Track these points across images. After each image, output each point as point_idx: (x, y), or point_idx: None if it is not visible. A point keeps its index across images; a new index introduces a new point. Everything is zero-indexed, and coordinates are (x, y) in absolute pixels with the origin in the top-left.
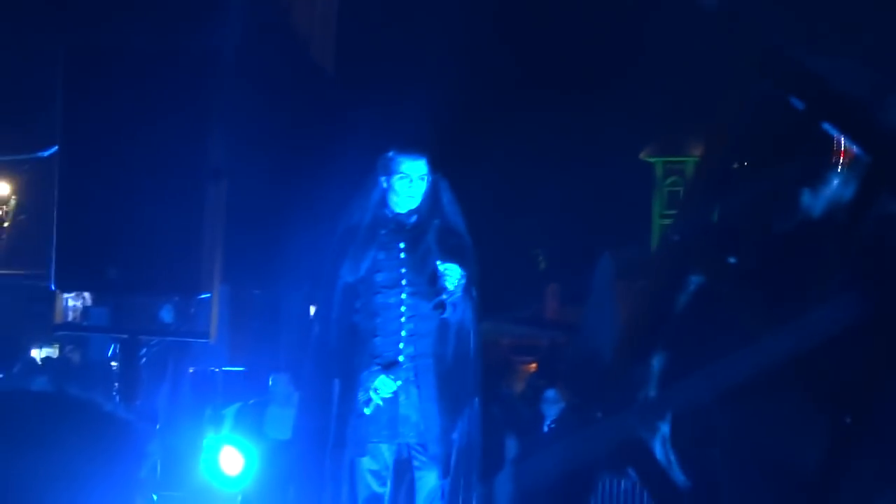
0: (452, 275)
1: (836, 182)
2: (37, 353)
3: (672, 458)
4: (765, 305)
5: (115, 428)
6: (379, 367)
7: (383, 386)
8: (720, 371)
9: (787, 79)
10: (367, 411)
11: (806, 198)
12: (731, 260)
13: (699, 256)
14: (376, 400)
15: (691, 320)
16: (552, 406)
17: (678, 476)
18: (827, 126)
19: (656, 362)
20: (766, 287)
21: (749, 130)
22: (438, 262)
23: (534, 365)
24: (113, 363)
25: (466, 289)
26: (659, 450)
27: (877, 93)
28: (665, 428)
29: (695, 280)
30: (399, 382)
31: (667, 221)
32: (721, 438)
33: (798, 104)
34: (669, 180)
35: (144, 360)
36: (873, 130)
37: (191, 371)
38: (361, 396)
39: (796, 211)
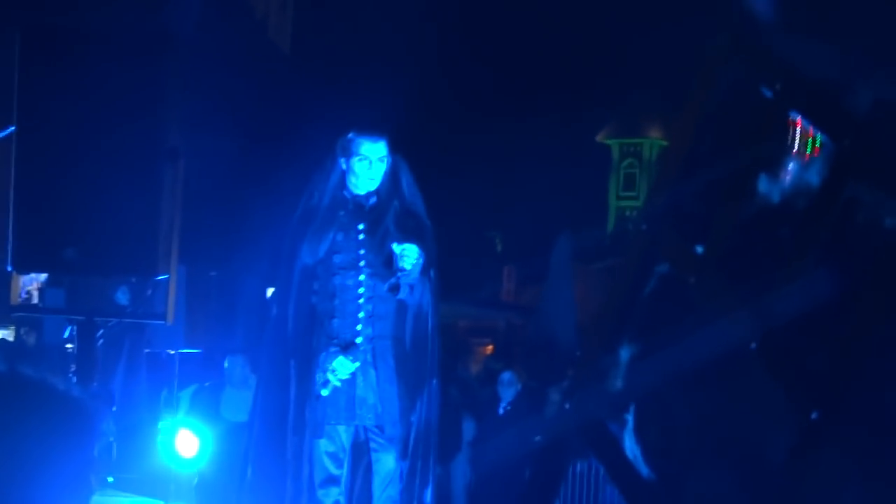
0: (409, 255)
1: (803, 169)
2: None
3: (637, 450)
4: (732, 293)
5: (67, 407)
6: (337, 349)
7: (341, 367)
8: (682, 357)
9: (755, 65)
10: (324, 393)
11: (772, 185)
12: (698, 248)
13: (666, 245)
14: (334, 381)
15: (659, 310)
16: (508, 388)
17: (643, 468)
18: (794, 113)
19: (623, 352)
20: (733, 275)
21: (718, 116)
22: (395, 244)
23: (490, 347)
24: (69, 345)
25: (425, 270)
26: (627, 442)
27: (847, 76)
28: (630, 419)
29: (662, 269)
30: (357, 364)
31: (623, 203)
32: (686, 429)
33: (766, 92)
34: (626, 162)
35: (101, 341)
36: (840, 118)
37: (147, 353)
38: (319, 378)
39: (762, 198)
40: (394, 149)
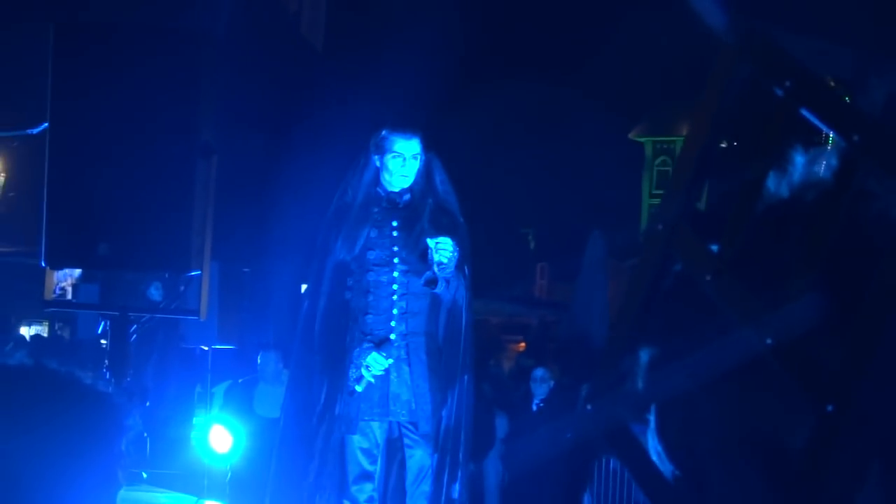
0: (445, 248)
1: (814, 166)
2: (26, 331)
3: (660, 448)
4: (749, 292)
5: (93, 401)
6: (371, 345)
7: (375, 363)
8: (703, 360)
9: (767, 64)
10: (358, 388)
11: (784, 183)
12: (714, 247)
13: (682, 244)
14: (367, 377)
15: (677, 311)
16: (541, 385)
17: (667, 467)
18: (805, 111)
19: (642, 354)
20: (750, 274)
21: (732, 115)
22: (429, 238)
23: (523, 344)
24: (103, 341)
25: (459, 266)
26: (649, 442)
27: (859, 74)
28: (652, 419)
29: (677, 269)
30: (391, 360)
31: (656, 201)
32: (707, 426)
33: (777, 90)
34: (659, 160)
35: (134, 337)
36: (849, 114)
37: (180, 349)
38: (353, 374)
39: (775, 196)
40: (427, 146)
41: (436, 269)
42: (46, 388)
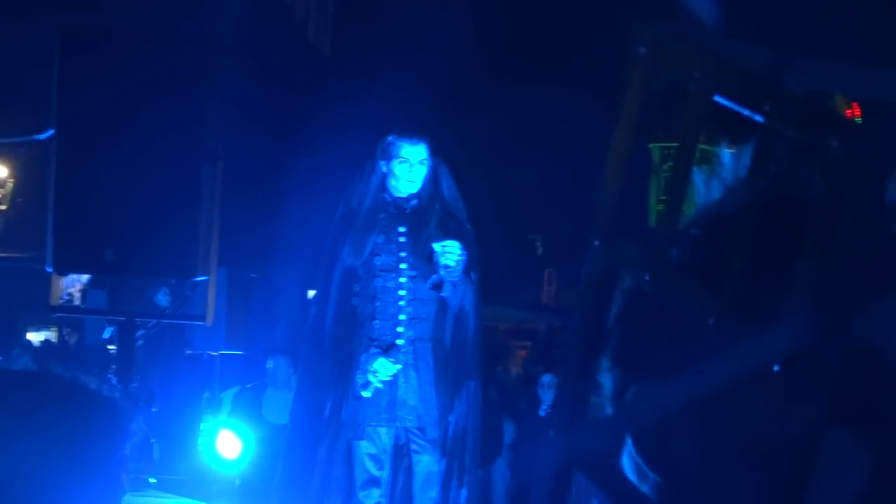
0: (452, 251)
1: (740, 159)
2: (33, 337)
3: (639, 459)
4: (702, 296)
5: (97, 405)
6: (378, 350)
7: (382, 368)
8: (683, 383)
9: (678, 63)
10: (365, 394)
11: (714, 182)
12: (662, 260)
13: (623, 257)
14: (375, 383)
15: (633, 331)
16: (548, 390)
17: (647, 478)
18: (717, 98)
19: (604, 378)
20: (697, 278)
21: (653, 119)
22: (435, 243)
23: (530, 349)
24: (110, 346)
25: (466, 272)
26: (625, 460)
27: (773, 69)
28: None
29: (624, 284)
30: (399, 366)
31: (663, 207)
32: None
33: (689, 86)
34: (667, 165)
35: (141, 342)
36: (761, 87)
37: (188, 354)
38: (360, 379)
39: (709, 196)
40: (434, 152)
41: (442, 272)
42: (51, 392)
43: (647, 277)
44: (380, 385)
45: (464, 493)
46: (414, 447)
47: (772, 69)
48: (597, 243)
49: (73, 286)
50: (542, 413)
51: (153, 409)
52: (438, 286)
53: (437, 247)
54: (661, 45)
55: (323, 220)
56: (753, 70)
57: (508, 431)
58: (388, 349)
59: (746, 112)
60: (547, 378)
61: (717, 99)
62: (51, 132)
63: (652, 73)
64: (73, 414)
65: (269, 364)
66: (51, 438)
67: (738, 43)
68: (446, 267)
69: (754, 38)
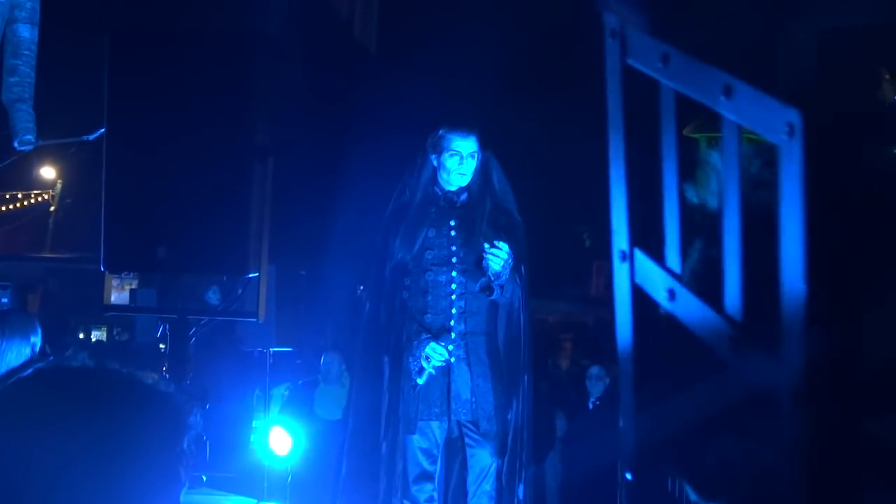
0: (499, 255)
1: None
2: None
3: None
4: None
5: (155, 400)
6: (428, 336)
7: (434, 353)
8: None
9: (641, 51)
10: (420, 381)
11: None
12: (677, 275)
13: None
14: (428, 369)
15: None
16: (597, 383)
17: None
18: (677, 87)
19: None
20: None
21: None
22: (486, 244)
23: (579, 343)
24: (161, 345)
25: (515, 267)
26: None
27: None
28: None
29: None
30: (451, 346)
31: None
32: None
33: (652, 74)
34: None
35: (193, 340)
36: (719, 76)
37: (239, 351)
38: (413, 366)
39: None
40: (484, 145)
41: (490, 276)
42: (109, 387)
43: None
44: (432, 371)
45: (521, 488)
46: (468, 441)
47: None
48: (622, 259)
49: (125, 284)
50: (590, 406)
51: (206, 407)
52: (486, 289)
53: (486, 248)
54: (626, 34)
55: (373, 216)
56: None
57: (559, 425)
58: (438, 335)
59: (704, 102)
60: (595, 370)
61: (677, 87)
62: (99, 133)
63: (621, 63)
64: (131, 409)
65: (322, 360)
66: (110, 434)
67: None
68: (493, 271)
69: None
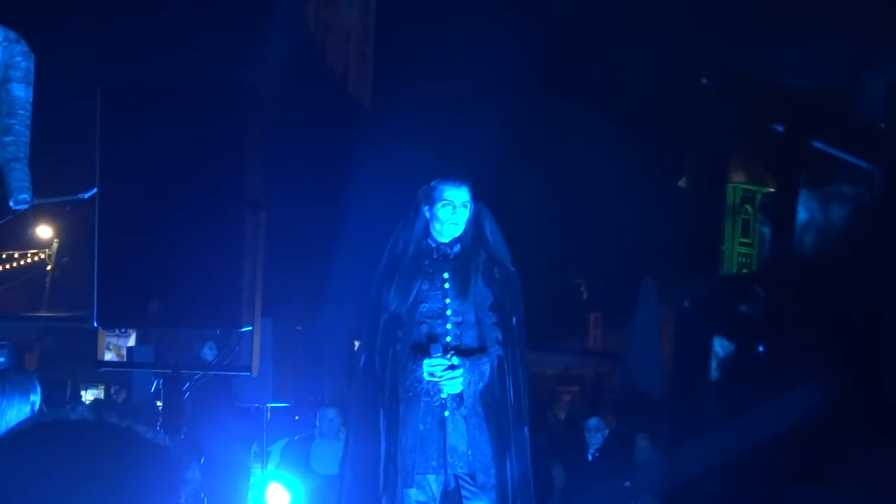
0: (454, 377)
1: (837, 197)
2: (84, 395)
3: None
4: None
5: (152, 453)
6: (420, 354)
7: (430, 367)
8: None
9: (754, 100)
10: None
11: (816, 217)
12: (757, 312)
13: (718, 315)
14: (427, 376)
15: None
16: (595, 434)
17: None
18: (817, 143)
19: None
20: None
21: (721, 160)
22: (431, 369)
23: (577, 394)
24: (158, 402)
25: (505, 322)
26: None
27: (852, 73)
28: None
29: (721, 344)
30: (450, 354)
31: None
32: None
33: (776, 127)
34: (746, 207)
35: (187, 395)
36: (870, 133)
37: (236, 407)
38: (410, 382)
39: (816, 232)
40: (476, 195)
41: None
42: (108, 440)
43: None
44: (434, 379)
45: None
46: (465, 493)
47: (850, 72)
48: (686, 304)
49: (121, 343)
50: (589, 457)
51: (201, 461)
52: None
53: (428, 369)
54: (730, 80)
55: (369, 271)
56: (829, 81)
57: (558, 476)
58: (427, 347)
59: (856, 160)
60: (594, 422)
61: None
62: (94, 191)
63: (716, 105)
64: (129, 462)
65: (318, 416)
66: (108, 487)
67: (799, 53)
68: (457, 392)
69: (818, 44)
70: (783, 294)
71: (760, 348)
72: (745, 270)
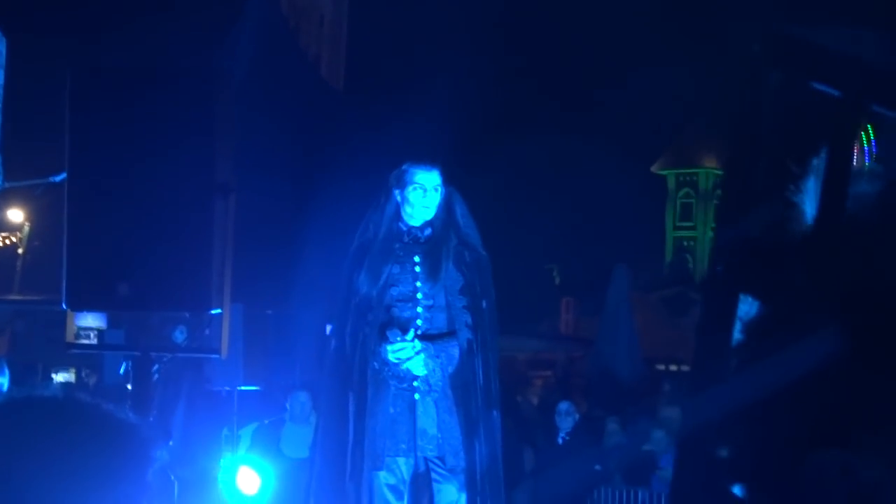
0: (413, 358)
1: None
2: (55, 378)
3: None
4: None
5: (120, 430)
6: (385, 341)
7: (397, 350)
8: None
9: (806, 64)
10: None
11: (855, 187)
12: (784, 277)
13: (748, 279)
14: (393, 359)
15: (752, 351)
16: (566, 418)
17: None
18: (876, 107)
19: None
20: (820, 301)
21: (771, 127)
22: (390, 351)
23: (549, 379)
24: (129, 385)
25: (475, 306)
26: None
27: (893, 53)
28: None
29: (744, 310)
30: (410, 336)
31: (681, 233)
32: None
33: (828, 89)
34: (682, 192)
35: (157, 377)
36: None
37: (206, 391)
38: (378, 364)
39: (852, 200)
40: (447, 180)
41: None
42: (77, 417)
43: (769, 303)
44: (397, 360)
45: None
46: (434, 476)
47: (890, 54)
48: (720, 268)
49: (91, 323)
50: (559, 441)
51: (169, 443)
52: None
53: (391, 352)
54: (780, 44)
55: (340, 255)
56: (867, 56)
57: (528, 460)
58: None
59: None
60: (564, 406)
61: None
62: (64, 176)
63: (767, 73)
64: (98, 438)
65: (289, 400)
66: (76, 462)
67: (847, 30)
68: (424, 374)
69: (863, 23)
70: (819, 261)
71: (785, 309)
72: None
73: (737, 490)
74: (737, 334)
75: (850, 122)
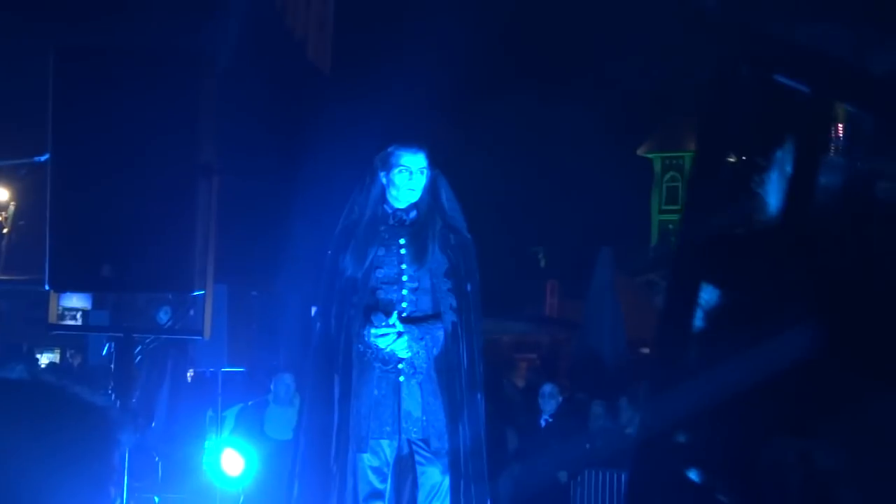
0: (400, 342)
1: (836, 165)
2: (40, 359)
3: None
4: (791, 313)
5: (84, 412)
6: (369, 324)
7: (384, 338)
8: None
9: (778, 59)
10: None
11: (823, 177)
12: (748, 267)
13: (712, 267)
14: (379, 343)
15: (715, 331)
16: (549, 401)
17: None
18: (848, 105)
19: (686, 373)
20: (786, 283)
21: (739, 120)
22: (374, 334)
23: (534, 361)
24: (112, 365)
25: (459, 288)
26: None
27: (860, 49)
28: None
29: (707, 294)
30: (391, 320)
31: (666, 216)
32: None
33: (802, 87)
34: (668, 175)
35: (139, 358)
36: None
37: (190, 372)
38: (363, 346)
39: (803, 201)
40: (433, 162)
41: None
42: (41, 399)
43: (733, 285)
44: (380, 345)
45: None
46: (418, 459)
47: (857, 49)
48: (688, 253)
49: (74, 304)
50: (542, 423)
51: (152, 425)
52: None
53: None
54: (752, 39)
55: (325, 237)
56: (834, 52)
57: (511, 442)
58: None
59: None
60: (548, 388)
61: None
62: (47, 157)
63: (735, 66)
64: (63, 420)
65: (273, 381)
66: (37, 445)
67: (821, 25)
68: (410, 357)
69: (835, 17)
70: (782, 253)
71: (747, 299)
72: (672, 238)
73: (693, 476)
74: (698, 322)
75: (817, 118)
